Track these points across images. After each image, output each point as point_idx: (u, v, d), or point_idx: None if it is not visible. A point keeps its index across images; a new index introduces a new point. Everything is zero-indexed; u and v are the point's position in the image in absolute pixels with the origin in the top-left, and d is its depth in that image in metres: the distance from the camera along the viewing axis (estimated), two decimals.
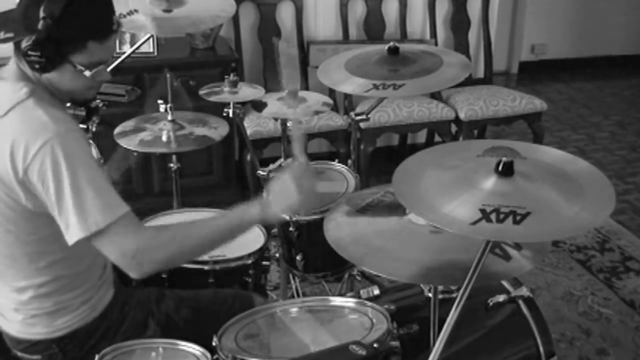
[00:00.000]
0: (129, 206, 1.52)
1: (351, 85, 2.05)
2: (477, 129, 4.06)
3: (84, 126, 2.14)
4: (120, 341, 1.68)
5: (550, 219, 1.23)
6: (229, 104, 2.48)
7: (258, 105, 2.44)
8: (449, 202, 1.27)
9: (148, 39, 2.60)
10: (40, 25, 1.46)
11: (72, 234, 1.47)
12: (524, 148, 1.42)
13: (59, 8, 1.46)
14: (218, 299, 1.86)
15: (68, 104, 1.81)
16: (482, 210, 1.23)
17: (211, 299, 1.86)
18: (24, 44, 1.48)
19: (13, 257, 1.60)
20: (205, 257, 2.01)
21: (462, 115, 3.87)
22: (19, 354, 1.70)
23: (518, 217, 1.21)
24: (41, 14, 1.46)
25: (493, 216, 1.22)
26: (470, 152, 1.42)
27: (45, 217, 1.52)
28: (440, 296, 1.56)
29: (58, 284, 1.63)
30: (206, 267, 1.99)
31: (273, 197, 1.57)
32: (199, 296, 1.87)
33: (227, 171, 3.72)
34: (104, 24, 1.54)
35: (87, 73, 1.54)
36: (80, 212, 1.46)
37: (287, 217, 1.63)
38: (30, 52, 1.48)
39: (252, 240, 2.14)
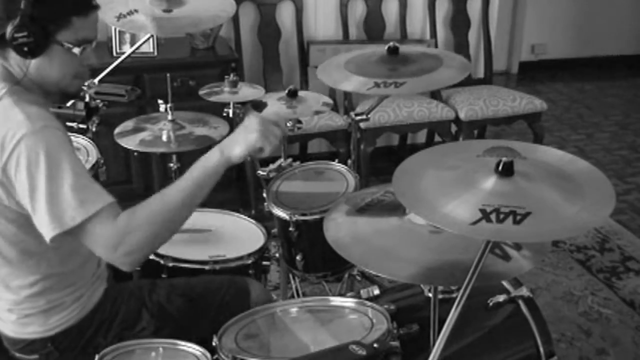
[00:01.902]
0: (112, 197, 1.50)
1: (352, 83, 2.05)
2: (477, 129, 4.06)
3: (84, 126, 2.14)
4: (115, 334, 1.69)
5: (550, 219, 1.23)
6: (229, 104, 2.48)
7: (258, 105, 2.44)
8: (449, 202, 1.27)
9: (148, 39, 2.60)
10: (22, 5, 1.48)
11: (47, 231, 1.46)
12: (524, 148, 1.42)
13: None
14: (212, 285, 1.85)
15: (68, 104, 1.80)
16: (482, 210, 1.23)
17: (205, 286, 1.85)
18: (9, 29, 1.49)
19: (5, 258, 1.60)
20: (205, 257, 2.01)
21: (462, 115, 3.87)
22: (17, 354, 1.70)
23: (518, 217, 1.21)
24: None
25: (493, 216, 1.22)
26: (470, 152, 1.42)
27: (29, 216, 1.51)
28: (440, 296, 1.56)
29: (51, 282, 1.63)
30: (206, 267, 1.99)
31: (231, 136, 1.60)
32: (191, 284, 1.86)
33: (227, 171, 3.63)
34: None
35: (76, 50, 1.55)
36: (55, 209, 1.45)
37: (249, 156, 1.62)
38: (16, 35, 1.49)
39: (252, 240, 2.14)
